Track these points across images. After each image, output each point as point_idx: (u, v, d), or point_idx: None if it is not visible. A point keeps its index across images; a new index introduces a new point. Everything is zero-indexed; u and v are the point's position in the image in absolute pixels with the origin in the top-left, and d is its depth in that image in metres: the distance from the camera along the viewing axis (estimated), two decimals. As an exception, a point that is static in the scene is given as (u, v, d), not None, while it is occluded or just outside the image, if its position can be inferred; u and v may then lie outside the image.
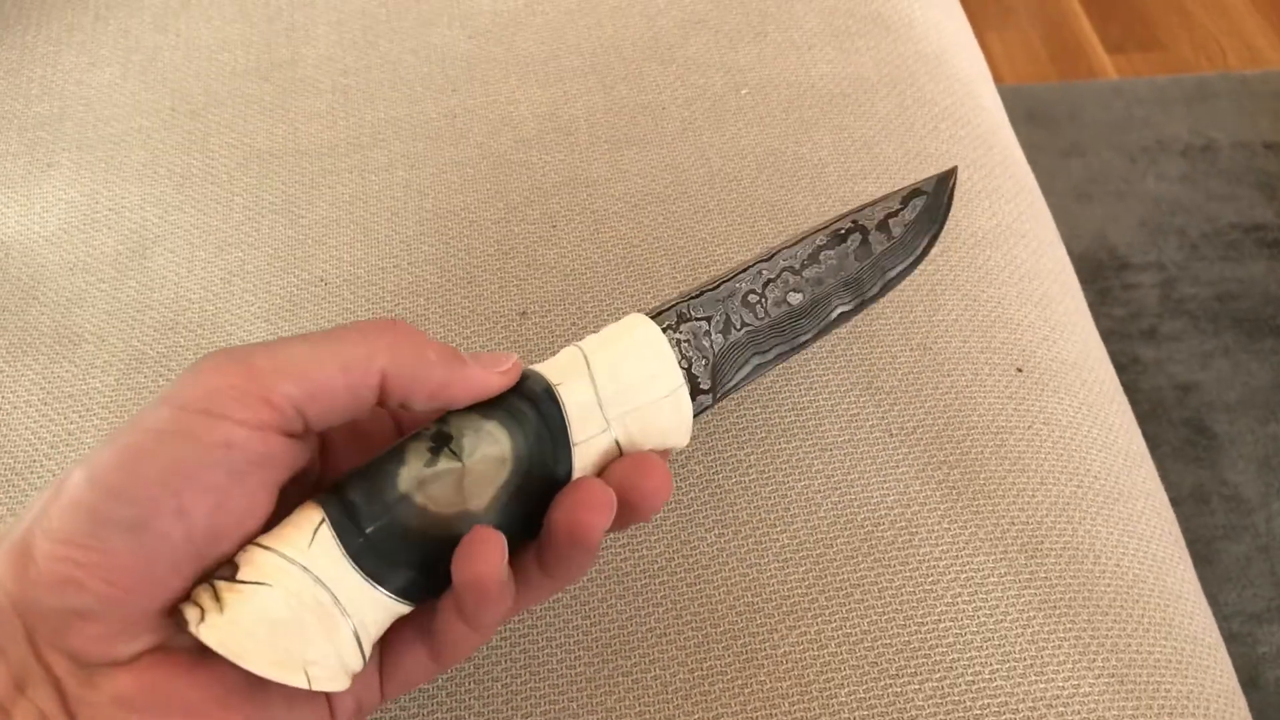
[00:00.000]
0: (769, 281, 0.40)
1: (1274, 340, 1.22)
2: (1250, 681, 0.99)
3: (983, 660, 0.42)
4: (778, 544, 0.45)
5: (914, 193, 0.44)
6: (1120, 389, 0.54)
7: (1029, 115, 1.44)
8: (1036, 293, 0.54)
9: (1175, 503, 1.10)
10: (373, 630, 0.32)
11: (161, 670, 0.30)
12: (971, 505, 0.46)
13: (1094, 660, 0.42)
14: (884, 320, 0.51)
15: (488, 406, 0.34)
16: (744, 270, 0.40)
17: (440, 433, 0.33)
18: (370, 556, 0.31)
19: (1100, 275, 1.27)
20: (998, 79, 1.54)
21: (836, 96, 0.59)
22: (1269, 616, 1.03)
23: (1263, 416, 1.16)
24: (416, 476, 0.32)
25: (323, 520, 0.31)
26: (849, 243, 0.42)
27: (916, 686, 0.41)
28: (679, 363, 0.37)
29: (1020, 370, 0.50)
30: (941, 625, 0.43)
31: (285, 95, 0.61)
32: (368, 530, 0.31)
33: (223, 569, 0.30)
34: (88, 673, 0.28)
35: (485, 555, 0.31)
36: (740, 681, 0.42)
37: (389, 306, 0.52)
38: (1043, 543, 0.45)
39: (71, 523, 0.28)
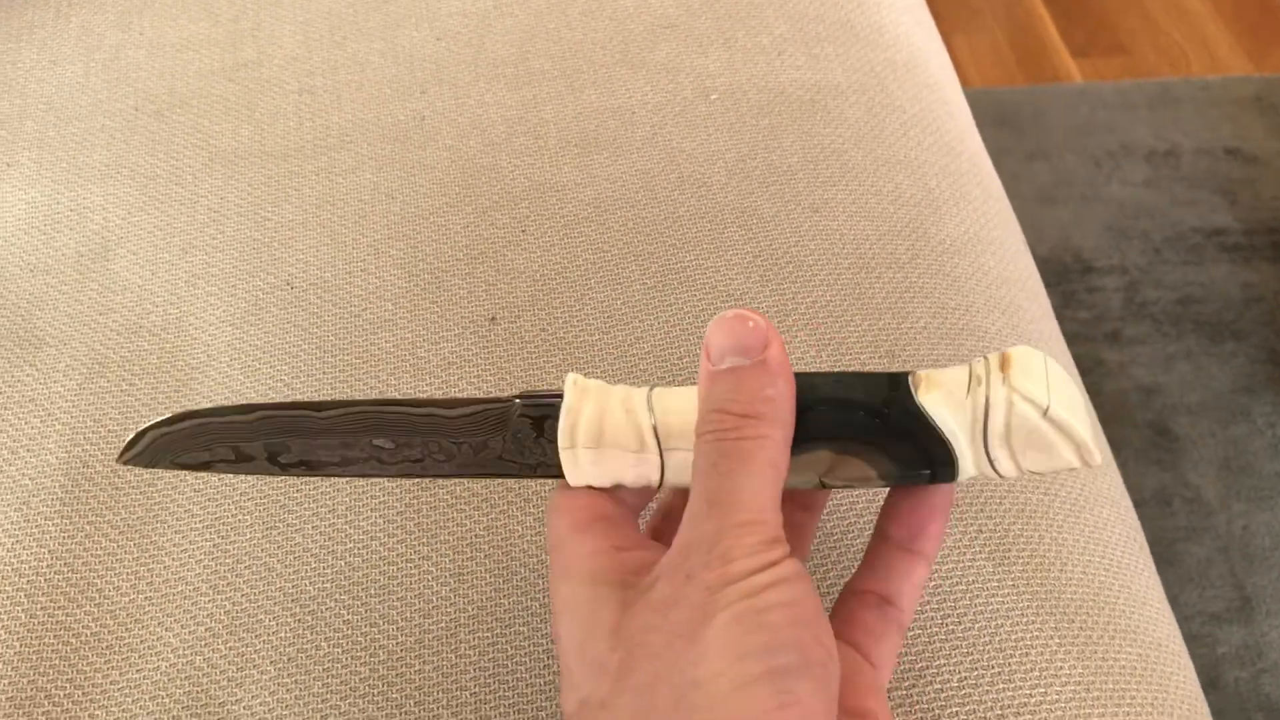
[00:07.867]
0: None
1: (1235, 343, 1.23)
2: (1210, 682, 1.01)
3: (950, 668, 0.42)
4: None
5: None
6: (1085, 395, 0.55)
7: (995, 118, 1.45)
8: (1004, 300, 0.54)
9: (1138, 505, 1.10)
10: None
11: None
12: (939, 513, 0.46)
13: (1060, 668, 0.42)
14: (852, 328, 0.51)
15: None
16: None
17: None
18: None
19: (1064, 279, 1.28)
20: (964, 82, 1.54)
21: (805, 103, 0.59)
22: (1229, 617, 1.04)
23: (1223, 419, 1.18)
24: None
25: None
26: None
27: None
28: None
29: (988, 378, 0.50)
30: (908, 632, 0.43)
31: (251, 95, 0.60)
32: None
33: None
34: None
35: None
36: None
37: (356, 310, 0.52)
38: (1010, 550, 0.45)
39: None
